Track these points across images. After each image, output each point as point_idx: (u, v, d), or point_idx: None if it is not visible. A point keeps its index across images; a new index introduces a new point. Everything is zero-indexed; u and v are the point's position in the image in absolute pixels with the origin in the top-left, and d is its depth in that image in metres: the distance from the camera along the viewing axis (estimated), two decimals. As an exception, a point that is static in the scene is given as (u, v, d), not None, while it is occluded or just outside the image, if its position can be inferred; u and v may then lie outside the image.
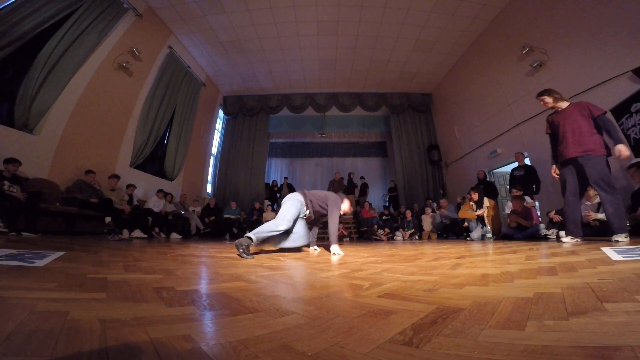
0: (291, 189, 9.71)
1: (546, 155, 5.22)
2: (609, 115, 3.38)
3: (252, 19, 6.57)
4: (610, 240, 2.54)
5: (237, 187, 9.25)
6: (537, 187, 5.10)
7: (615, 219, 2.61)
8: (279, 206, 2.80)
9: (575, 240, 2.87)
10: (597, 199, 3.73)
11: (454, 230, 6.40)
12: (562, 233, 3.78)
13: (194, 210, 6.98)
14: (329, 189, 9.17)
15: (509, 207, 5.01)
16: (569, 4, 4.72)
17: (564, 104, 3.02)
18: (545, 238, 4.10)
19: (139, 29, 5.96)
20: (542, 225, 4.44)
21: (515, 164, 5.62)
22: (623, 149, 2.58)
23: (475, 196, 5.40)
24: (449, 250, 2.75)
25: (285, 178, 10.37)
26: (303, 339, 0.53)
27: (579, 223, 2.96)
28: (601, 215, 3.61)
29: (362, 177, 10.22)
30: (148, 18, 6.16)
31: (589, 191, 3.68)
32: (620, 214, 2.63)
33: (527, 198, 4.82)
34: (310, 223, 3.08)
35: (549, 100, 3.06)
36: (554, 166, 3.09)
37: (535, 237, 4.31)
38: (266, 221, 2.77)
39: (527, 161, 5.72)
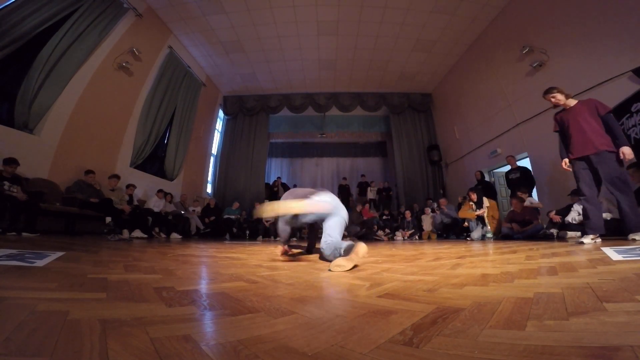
0: (286, 189, 9.65)
1: (546, 155, 5.25)
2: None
3: (252, 19, 6.57)
4: (626, 239, 2.52)
5: (237, 187, 9.24)
6: (530, 189, 5.12)
7: (633, 217, 2.52)
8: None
9: (596, 239, 2.65)
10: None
11: (454, 230, 6.39)
12: (571, 233, 3.76)
13: (194, 210, 6.98)
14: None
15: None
16: (569, 4, 4.72)
17: (571, 102, 2.92)
18: (545, 237, 4.10)
19: (139, 29, 5.96)
20: (544, 226, 4.44)
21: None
22: (628, 152, 2.54)
23: (474, 197, 5.41)
24: (449, 250, 2.74)
25: (279, 178, 10.06)
26: (303, 339, 0.53)
27: (601, 217, 2.76)
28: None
29: (363, 175, 10.30)
30: (148, 18, 6.16)
31: None
32: (637, 212, 2.53)
33: (530, 199, 4.82)
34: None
35: (560, 97, 2.91)
36: (565, 159, 2.93)
37: (535, 237, 4.31)
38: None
39: (527, 162, 5.72)
